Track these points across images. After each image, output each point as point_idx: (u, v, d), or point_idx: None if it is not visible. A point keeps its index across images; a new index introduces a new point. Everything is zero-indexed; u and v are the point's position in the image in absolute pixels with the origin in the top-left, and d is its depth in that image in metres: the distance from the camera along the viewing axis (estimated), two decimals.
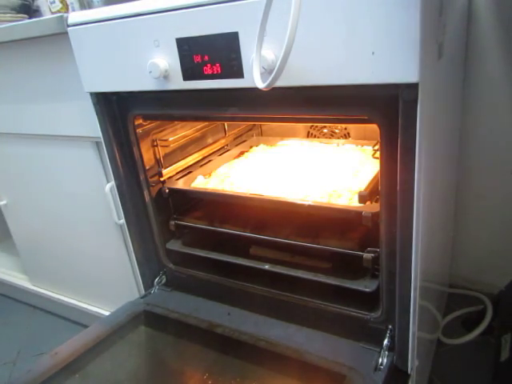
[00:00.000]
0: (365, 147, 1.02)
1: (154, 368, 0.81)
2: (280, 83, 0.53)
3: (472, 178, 1.10)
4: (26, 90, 1.03)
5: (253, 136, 1.25)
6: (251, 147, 1.14)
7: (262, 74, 0.55)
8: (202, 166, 1.02)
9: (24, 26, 0.90)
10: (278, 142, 1.16)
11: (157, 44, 0.67)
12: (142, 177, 0.89)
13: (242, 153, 1.10)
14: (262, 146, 1.15)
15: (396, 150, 0.57)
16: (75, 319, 1.41)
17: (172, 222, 0.94)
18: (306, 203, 0.77)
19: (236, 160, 1.06)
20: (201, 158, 1.08)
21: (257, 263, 0.85)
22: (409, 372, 0.72)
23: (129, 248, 1.06)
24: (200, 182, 0.95)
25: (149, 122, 0.90)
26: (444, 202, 0.95)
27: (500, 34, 0.94)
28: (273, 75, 0.51)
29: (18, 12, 1.21)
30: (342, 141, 1.10)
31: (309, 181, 0.88)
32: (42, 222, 1.27)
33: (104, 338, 0.83)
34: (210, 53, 0.63)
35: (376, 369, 0.69)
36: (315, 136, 1.21)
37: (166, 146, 0.97)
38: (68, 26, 0.76)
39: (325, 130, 1.19)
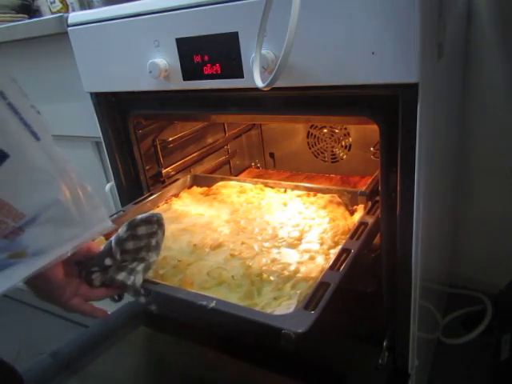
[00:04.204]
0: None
1: (154, 368, 0.81)
2: (280, 83, 0.53)
3: (472, 178, 1.10)
4: (25, 90, 1.02)
5: (190, 171, 1.05)
6: (176, 195, 0.95)
7: (261, 73, 0.55)
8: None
9: (24, 25, 0.90)
10: (215, 185, 1.00)
11: (157, 44, 0.67)
12: (141, 177, 0.89)
13: (169, 198, 0.94)
14: (194, 189, 0.98)
15: (396, 149, 0.57)
16: (75, 319, 1.40)
17: None
18: (208, 305, 0.53)
19: (157, 210, 0.88)
20: (201, 157, 1.09)
21: None
22: (409, 372, 0.72)
23: None
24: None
25: (149, 121, 0.90)
26: (444, 202, 0.95)
27: (500, 34, 0.94)
28: (273, 75, 0.51)
29: (18, 12, 1.21)
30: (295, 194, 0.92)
31: (231, 253, 0.70)
32: None
33: (104, 338, 0.83)
34: (210, 53, 0.63)
35: (376, 369, 0.69)
36: (315, 136, 1.21)
37: (166, 146, 0.97)
38: (68, 26, 0.76)
39: (325, 130, 1.19)
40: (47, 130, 0.41)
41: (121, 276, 0.56)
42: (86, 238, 0.44)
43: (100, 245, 0.59)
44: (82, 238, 0.43)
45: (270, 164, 1.34)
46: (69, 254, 0.42)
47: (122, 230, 0.57)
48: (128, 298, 0.93)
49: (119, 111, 0.83)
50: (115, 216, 0.82)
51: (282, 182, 0.96)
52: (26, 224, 0.39)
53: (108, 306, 1.37)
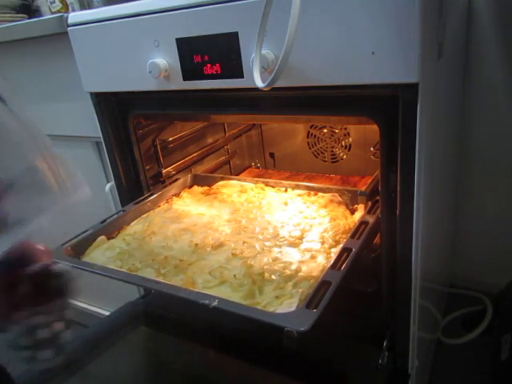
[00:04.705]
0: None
1: (154, 368, 0.81)
2: (280, 83, 0.53)
3: (472, 178, 1.09)
4: (25, 89, 1.02)
5: (191, 171, 1.06)
6: (177, 195, 0.95)
7: (261, 73, 0.55)
8: (103, 222, 0.79)
9: (24, 25, 0.90)
10: (215, 184, 1.00)
11: (157, 44, 0.67)
12: (141, 177, 0.89)
13: (170, 198, 0.93)
14: (195, 188, 0.98)
15: (396, 149, 0.57)
16: (75, 319, 1.40)
17: None
18: (211, 303, 0.53)
19: (158, 210, 0.88)
20: (201, 157, 1.09)
21: None
22: (409, 372, 0.72)
23: None
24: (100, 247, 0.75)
25: (149, 121, 0.90)
26: (444, 202, 0.95)
27: (500, 34, 0.94)
28: (273, 75, 0.51)
29: (18, 12, 1.21)
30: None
31: (232, 253, 0.70)
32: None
33: (104, 338, 0.83)
34: (210, 53, 0.63)
35: (376, 369, 0.69)
36: (315, 136, 1.21)
37: (166, 146, 0.97)
38: (68, 26, 0.76)
39: (325, 130, 1.19)
40: (14, 96, 0.40)
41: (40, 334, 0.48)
42: (63, 205, 0.43)
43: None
44: (60, 204, 0.42)
45: (270, 164, 1.34)
46: (47, 224, 0.40)
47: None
48: (128, 298, 0.93)
49: (119, 111, 0.83)
50: (115, 216, 0.82)
51: (283, 182, 0.96)
52: (4, 190, 0.38)
53: (107, 306, 1.37)
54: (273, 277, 0.62)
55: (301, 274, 0.63)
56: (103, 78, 0.77)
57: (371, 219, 0.72)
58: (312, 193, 0.90)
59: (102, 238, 0.76)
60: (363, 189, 0.76)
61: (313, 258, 0.67)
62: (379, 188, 0.64)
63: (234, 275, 0.63)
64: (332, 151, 1.20)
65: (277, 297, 0.58)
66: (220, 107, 0.71)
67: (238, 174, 1.23)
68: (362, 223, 0.71)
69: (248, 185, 0.97)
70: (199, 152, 1.08)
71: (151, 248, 0.73)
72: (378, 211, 0.73)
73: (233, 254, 0.70)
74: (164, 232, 0.79)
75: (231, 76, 0.62)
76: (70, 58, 0.79)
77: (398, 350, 0.71)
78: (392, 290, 0.67)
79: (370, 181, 0.79)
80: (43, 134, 0.42)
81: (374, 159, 0.89)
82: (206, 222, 0.82)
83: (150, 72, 0.67)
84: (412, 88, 0.52)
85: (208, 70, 0.64)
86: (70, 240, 0.73)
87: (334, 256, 0.63)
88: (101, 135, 0.85)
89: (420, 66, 0.49)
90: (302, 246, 0.71)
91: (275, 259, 0.68)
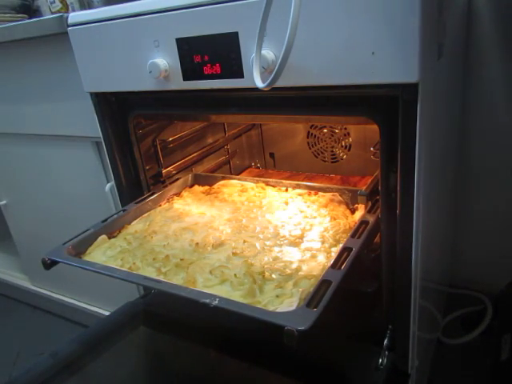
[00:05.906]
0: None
1: (154, 368, 0.81)
2: (280, 83, 0.53)
3: (472, 178, 1.10)
4: (25, 89, 1.03)
5: (192, 170, 1.06)
6: (178, 194, 0.95)
7: (261, 73, 0.55)
8: (104, 222, 0.79)
9: (24, 25, 0.90)
10: (216, 184, 1.00)
11: (157, 44, 0.67)
12: (142, 177, 0.89)
13: (171, 197, 0.93)
14: (196, 187, 0.99)
15: (396, 149, 0.57)
16: (75, 319, 1.41)
17: None
18: (212, 302, 0.53)
19: (159, 209, 0.88)
20: (201, 157, 1.09)
21: None
22: (409, 372, 0.72)
23: None
24: (100, 246, 0.75)
25: (149, 121, 0.90)
26: (444, 202, 0.95)
27: (500, 34, 0.94)
28: (273, 75, 0.51)
29: (18, 12, 1.21)
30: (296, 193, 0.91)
31: (232, 252, 0.70)
32: (42, 221, 1.27)
33: (104, 338, 0.83)
34: (210, 53, 0.63)
35: (376, 369, 0.69)
36: (315, 136, 1.21)
37: (166, 146, 0.97)
38: (68, 26, 0.76)
39: (325, 130, 1.19)
40: None
41: None
42: None
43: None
44: None
45: (270, 164, 1.34)
46: None
47: None
48: (128, 298, 0.93)
49: (119, 111, 0.83)
50: (116, 215, 0.82)
51: (283, 181, 0.96)
52: None
53: (107, 306, 1.37)
54: (273, 276, 0.62)
55: (301, 273, 0.63)
56: (103, 78, 0.77)
57: (371, 219, 0.72)
58: (312, 192, 0.90)
59: (103, 237, 0.76)
60: (363, 188, 0.76)
61: (313, 257, 0.67)
62: (379, 188, 0.64)
63: (235, 274, 0.63)
64: (332, 151, 1.20)
65: (277, 296, 0.58)
66: (220, 107, 0.71)
67: (238, 174, 1.23)
68: (363, 223, 0.71)
69: (249, 184, 0.97)
70: (199, 152, 1.08)
71: (152, 247, 0.74)
72: (378, 211, 0.73)
73: (233, 253, 0.70)
74: (165, 231, 0.79)
75: (231, 76, 0.62)
76: (69, 57, 0.79)
77: (397, 350, 0.71)
78: (392, 290, 0.67)
79: (369, 181, 0.79)
80: None
81: (374, 159, 0.89)
82: (206, 221, 0.82)
83: (150, 72, 0.67)
84: (412, 88, 0.52)
85: (208, 69, 0.64)
86: (71, 239, 0.73)
87: (334, 255, 0.63)
88: (101, 135, 0.85)
89: (420, 65, 0.49)
90: (303, 246, 0.71)
91: (276, 258, 0.68)
